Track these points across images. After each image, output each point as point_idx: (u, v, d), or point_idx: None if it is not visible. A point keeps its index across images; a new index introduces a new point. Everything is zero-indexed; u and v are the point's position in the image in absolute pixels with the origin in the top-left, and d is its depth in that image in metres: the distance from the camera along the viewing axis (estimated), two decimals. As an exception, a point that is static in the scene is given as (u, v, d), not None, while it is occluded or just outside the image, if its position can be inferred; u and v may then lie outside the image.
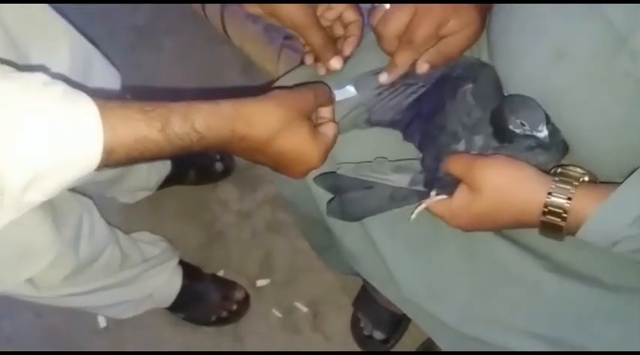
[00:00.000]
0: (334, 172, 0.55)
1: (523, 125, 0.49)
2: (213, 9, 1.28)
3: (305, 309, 1.17)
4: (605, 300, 0.53)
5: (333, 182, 0.55)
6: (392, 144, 0.58)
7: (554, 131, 0.51)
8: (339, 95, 0.58)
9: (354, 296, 1.14)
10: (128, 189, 1.16)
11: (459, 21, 0.55)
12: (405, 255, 0.58)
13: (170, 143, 0.44)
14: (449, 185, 0.52)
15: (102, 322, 1.16)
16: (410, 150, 0.57)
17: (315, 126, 0.54)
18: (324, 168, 0.58)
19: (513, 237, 0.57)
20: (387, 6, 0.57)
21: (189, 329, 1.15)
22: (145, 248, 1.03)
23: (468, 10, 0.55)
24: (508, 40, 0.53)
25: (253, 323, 1.16)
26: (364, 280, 0.93)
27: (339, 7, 0.60)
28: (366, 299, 1.09)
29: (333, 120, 0.56)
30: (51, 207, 0.74)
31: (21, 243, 0.71)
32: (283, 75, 0.66)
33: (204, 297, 1.13)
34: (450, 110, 0.54)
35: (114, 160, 0.42)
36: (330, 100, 0.56)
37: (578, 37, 0.46)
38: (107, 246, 0.89)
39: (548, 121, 0.50)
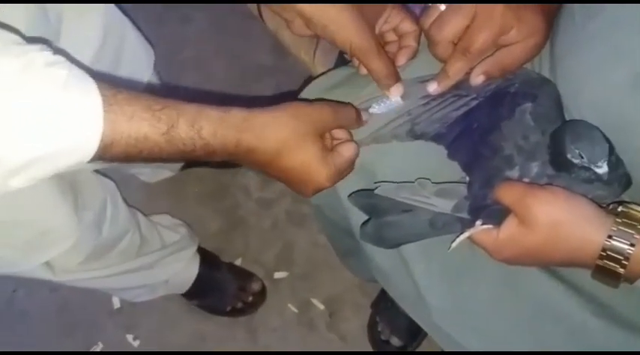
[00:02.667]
0: (371, 191, 0.50)
1: (582, 157, 0.44)
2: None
3: (321, 306, 1.14)
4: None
5: (370, 202, 0.50)
6: (434, 161, 0.53)
7: (617, 164, 0.45)
8: (384, 106, 0.54)
9: (372, 298, 1.11)
10: (153, 164, 1.13)
11: (521, 30, 0.49)
12: (439, 281, 0.54)
13: (172, 146, 0.42)
14: (496, 214, 0.47)
15: (116, 303, 1.15)
16: (454, 170, 0.52)
17: (328, 146, 0.51)
18: (360, 184, 0.54)
19: (559, 273, 0.52)
20: (442, 7, 0.51)
21: (203, 317, 1.13)
22: (164, 233, 1.01)
23: (533, 19, 0.49)
24: (577, 59, 0.47)
25: (268, 316, 1.14)
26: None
27: (395, 19, 0.55)
28: (386, 304, 1.06)
29: (352, 141, 0.52)
30: (73, 191, 0.72)
31: (40, 226, 0.69)
32: (321, 74, 0.62)
33: (221, 287, 1.11)
34: (507, 131, 0.48)
35: (110, 155, 0.40)
36: (353, 124, 0.53)
37: None
38: (128, 232, 0.87)
39: (612, 153, 0.45)
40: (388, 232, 0.50)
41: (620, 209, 0.46)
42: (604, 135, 0.45)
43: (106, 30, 0.70)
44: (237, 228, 1.22)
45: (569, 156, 0.45)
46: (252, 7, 1.14)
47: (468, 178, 0.50)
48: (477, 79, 0.51)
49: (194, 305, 1.14)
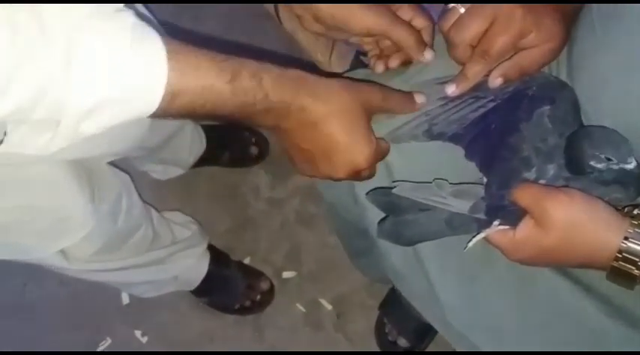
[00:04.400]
0: (389, 189, 0.51)
1: (609, 159, 0.44)
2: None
3: (329, 307, 1.14)
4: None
5: (388, 200, 0.51)
6: (451, 161, 0.54)
7: (636, 167, 0.46)
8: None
9: (380, 299, 1.11)
10: (167, 160, 1.14)
11: (540, 34, 0.50)
12: (453, 281, 0.55)
13: (235, 96, 0.42)
14: (513, 215, 0.47)
15: (125, 299, 1.16)
16: (471, 171, 0.53)
17: None
18: (378, 183, 0.54)
19: (575, 275, 0.53)
20: (462, 10, 0.52)
21: (211, 314, 1.14)
22: (176, 229, 1.02)
23: (552, 23, 0.50)
24: (596, 66, 0.48)
25: (275, 315, 1.14)
26: (394, 289, 0.90)
27: (407, 14, 0.56)
28: (394, 304, 1.06)
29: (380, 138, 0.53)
30: (89, 181, 0.73)
31: (57, 214, 0.71)
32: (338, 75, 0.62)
33: (230, 285, 1.12)
34: (526, 133, 0.49)
35: (176, 106, 0.40)
36: (403, 108, 0.53)
37: None
38: (141, 225, 0.88)
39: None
40: (405, 230, 0.51)
41: (635, 211, 0.46)
42: (622, 136, 0.46)
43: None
44: (247, 227, 1.23)
45: (592, 162, 0.45)
46: (268, 7, 1.15)
47: (485, 179, 0.51)
48: (496, 81, 0.52)
49: (202, 303, 1.14)
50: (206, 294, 1.13)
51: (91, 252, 0.79)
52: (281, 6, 1.04)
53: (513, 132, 0.50)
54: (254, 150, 1.26)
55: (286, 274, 1.18)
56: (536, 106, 0.50)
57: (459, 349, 0.58)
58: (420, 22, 0.56)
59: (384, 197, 0.52)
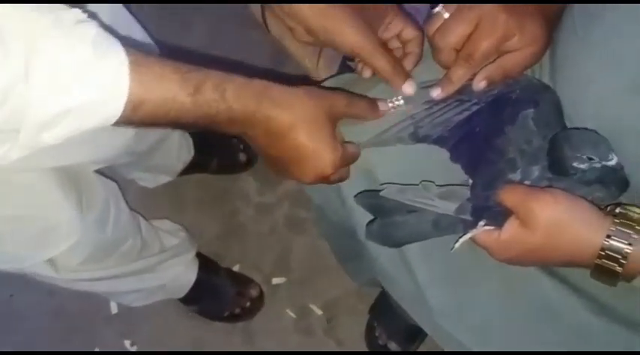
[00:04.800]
0: (377, 192, 0.51)
1: (591, 159, 0.45)
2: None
3: (319, 312, 1.14)
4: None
5: (376, 202, 0.52)
6: (437, 163, 0.55)
7: (617, 164, 0.47)
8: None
9: (370, 303, 1.12)
10: (154, 168, 1.13)
11: (523, 38, 0.51)
12: (441, 281, 0.55)
13: (197, 107, 0.43)
14: (498, 216, 0.48)
15: (113, 308, 1.15)
16: (456, 172, 0.54)
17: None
18: (365, 186, 0.55)
19: (560, 274, 0.53)
20: (446, 15, 0.53)
21: (201, 322, 1.14)
22: (164, 237, 1.01)
23: (535, 27, 0.51)
24: (576, 67, 0.49)
25: (266, 321, 1.14)
26: (385, 291, 0.90)
27: (397, 25, 0.56)
28: (384, 308, 1.07)
29: (349, 142, 0.54)
30: (76, 189, 0.73)
31: (44, 223, 0.71)
32: (324, 79, 0.63)
33: (219, 292, 1.12)
34: (511, 135, 0.50)
35: (138, 116, 0.41)
36: (367, 115, 0.54)
37: None
38: (130, 234, 0.88)
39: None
40: (393, 231, 0.51)
41: (618, 210, 0.47)
42: (600, 135, 0.47)
43: (112, 29, 0.71)
44: (236, 234, 1.23)
45: (575, 164, 0.46)
46: (256, 13, 1.16)
47: (470, 181, 0.52)
48: (480, 84, 0.53)
49: (192, 311, 1.14)
50: (195, 302, 1.12)
51: (79, 261, 0.79)
52: (269, 14, 1.05)
53: (498, 135, 0.50)
54: (242, 156, 1.26)
55: (276, 280, 1.18)
56: (520, 109, 0.51)
57: (447, 349, 0.59)
58: (409, 32, 0.56)
59: (371, 199, 0.52)
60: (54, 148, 0.40)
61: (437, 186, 0.51)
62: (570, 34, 0.50)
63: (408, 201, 0.50)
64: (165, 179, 1.20)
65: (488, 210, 0.49)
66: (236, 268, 1.19)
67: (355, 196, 0.54)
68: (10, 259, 0.72)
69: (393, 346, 1.05)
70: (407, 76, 0.55)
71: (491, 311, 0.54)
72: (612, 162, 0.46)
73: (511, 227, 0.48)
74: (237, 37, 1.40)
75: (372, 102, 0.55)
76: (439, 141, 0.55)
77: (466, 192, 0.51)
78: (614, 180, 0.47)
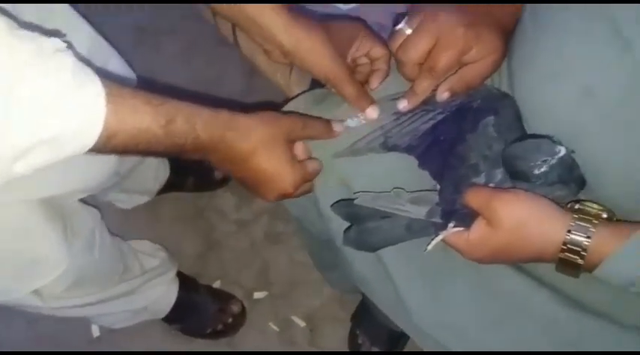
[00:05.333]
0: (352, 201, 0.54)
1: (544, 160, 0.48)
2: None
3: (302, 323, 1.15)
4: (621, 340, 0.52)
5: (351, 210, 0.54)
6: (407, 170, 0.57)
7: (573, 165, 0.50)
8: (357, 121, 0.59)
9: (351, 311, 1.13)
10: (131, 189, 1.14)
11: (481, 49, 0.54)
12: (417, 283, 0.58)
13: (168, 138, 0.45)
14: (466, 217, 0.51)
15: (95, 331, 1.14)
16: (425, 178, 0.57)
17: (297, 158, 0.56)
18: (340, 195, 0.57)
19: (528, 269, 0.56)
20: (408, 31, 0.56)
21: (184, 340, 1.14)
22: (144, 259, 1.01)
23: (491, 38, 0.54)
24: (531, 73, 0.52)
25: (249, 336, 1.15)
26: (365, 298, 0.92)
27: (366, 45, 0.60)
28: (365, 315, 1.08)
29: (312, 158, 0.58)
30: (62, 220, 0.73)
31: (30, 255, 0.70)
32: (297, 96, 0.65)
33: (200, 309, 1.12)
34: (472, 142, 0.53)
35: (111, 146, 0.42)
36: (322, 135, 0.58)
37: (606, 76, 0.46)
38: (112, 259, 0.88)
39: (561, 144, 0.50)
40: (369, 237, 0.54)
41: (577, 206, 0.50)
42: (538, 135, 0.50)
43: (89, 56, 0.72)
44: (215, 251, 1.23)
45: (535, 171, 0.49)
46: (227, 33, 1.17)
47: (438, 186, 0.55)
48: (443, 95, 0.56)
49: (174, 330, 1.14)
50: (177, 321, 1.12)
51: (63, 288, 0.78)
52: (239, 33, 1.07)
53: (461, 142, 0.54)
54: (218, 174, 1.27)
55: (257, 295, 1.18)
56: (480, 117, 0.54)
57: (426, 349, 0.61)
58: (377, 51, 0.60)
59: (347, 208, 0.55)
60: (42, 177, 0.41)
61: (408, 192, 0.54)
62: (523, 39, 0.53)
63: (382, 207, 0.53)
64: (142, 199, 1.20)
65: (456, 212, 0.52)
66: (217, 284, 1.19)
67: (332, 205, 0.57)
68: None
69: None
70: (371, 101, 0.59)
71: (465, 309, 0.57)
72: (562, 152, 0.48)
73: (478, 227, 0.50)
74: (209, 56, 1.42)
75: (327, 123, 0.58)
76: (408, 149, 0.58)
77: (435, 197, 0.53)
78: (573, 179, 0.51)
